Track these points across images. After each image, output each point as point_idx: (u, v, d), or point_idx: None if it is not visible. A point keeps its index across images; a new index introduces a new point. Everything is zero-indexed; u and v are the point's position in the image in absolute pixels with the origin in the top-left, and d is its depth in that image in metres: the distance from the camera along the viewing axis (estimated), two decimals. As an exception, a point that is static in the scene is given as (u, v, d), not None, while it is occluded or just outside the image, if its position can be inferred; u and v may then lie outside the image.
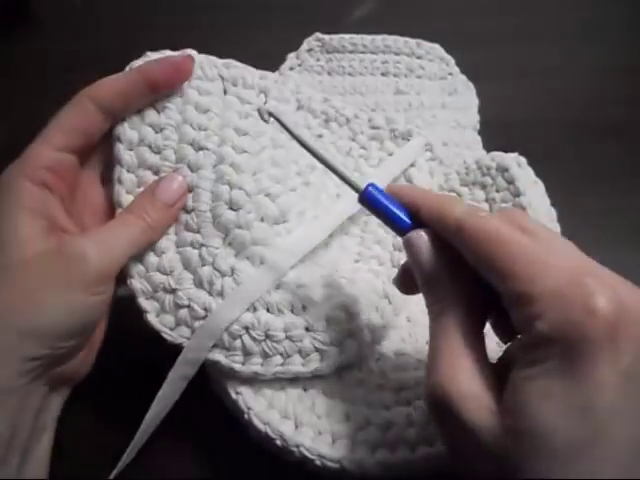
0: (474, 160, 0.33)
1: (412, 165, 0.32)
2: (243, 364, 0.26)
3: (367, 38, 0.42)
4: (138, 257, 0.27)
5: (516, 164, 0.31)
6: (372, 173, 0.31)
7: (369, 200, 0.23)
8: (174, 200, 0.27)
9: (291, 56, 0.42)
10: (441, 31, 0.43)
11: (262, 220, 0.27)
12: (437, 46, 0.42)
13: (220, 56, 0.46)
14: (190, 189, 0.27)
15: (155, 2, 0.51)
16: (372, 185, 0.23)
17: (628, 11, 0.48)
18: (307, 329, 0.26)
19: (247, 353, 0.26)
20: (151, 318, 0.27)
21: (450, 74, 0.41)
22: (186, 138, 0.28)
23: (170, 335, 0.26)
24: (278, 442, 0.26)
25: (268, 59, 0.42)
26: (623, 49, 0.46)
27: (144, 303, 0.27)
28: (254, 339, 0.26)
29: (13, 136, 0.43)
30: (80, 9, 0.51)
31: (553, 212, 0.32)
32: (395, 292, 0.26)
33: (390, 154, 0.32)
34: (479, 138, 0.38)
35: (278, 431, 0.26)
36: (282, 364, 0.26)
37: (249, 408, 0.26)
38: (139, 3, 0.51)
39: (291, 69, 0.42)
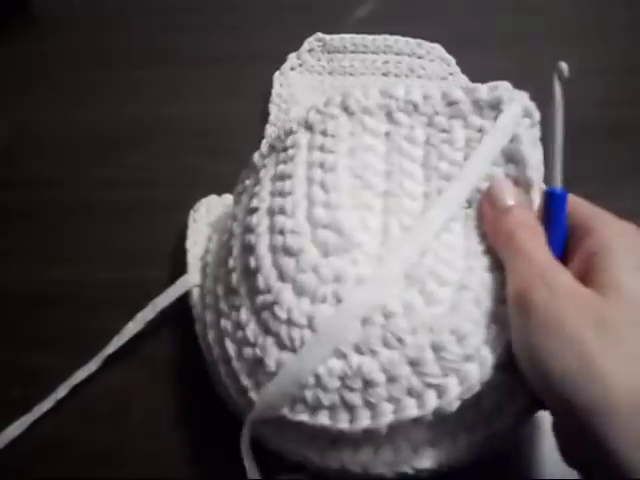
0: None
1: (511, 140, 0.25)
2: (351, 422, 0.23)
3: (368, 38, 0.42)
4: (231, 337, 0.26)
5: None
6: (461, 160, 0.26)
7: (553, 205, 0.23)
8: None
9: (292, 56, 0.42)
10: (442, 31, 0.43)
11: (326, 255, 0.24)
12: (438, 46, 0.42)
13: (220, 55, 0.47)
14: (248, 251, 0.26)
15: (155, 2, 0.51)
16: (564, 193, 0.23)
17: (628, 11, 0.48)
18: (411, 364, 0.22)
19: (350, 408, 0.23)
20: (252, 395, 0.24)
21: (451, 74, 0.41)
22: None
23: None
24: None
25: (268, 59, 0.42)
26: (623, 49, 0.46)
27: (245, 382, 0.25)
28: (352, 390, 0.22)
29: (13, 136, 0.43)
30: (79, 9, 0.51)
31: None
32: None
33: (478, 130, 0.26)
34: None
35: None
36: (394, 412, 0.22)
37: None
38: (139, 3, 0.51)
39: (292, 69, 0.42)
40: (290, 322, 0.24)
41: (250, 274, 0.25)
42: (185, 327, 0.31)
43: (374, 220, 0.26)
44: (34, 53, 0.47)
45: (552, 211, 0.23)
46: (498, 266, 0.24)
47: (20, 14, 0.50)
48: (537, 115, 0.26)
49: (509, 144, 0.25)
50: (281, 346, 0.24)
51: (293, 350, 0.23)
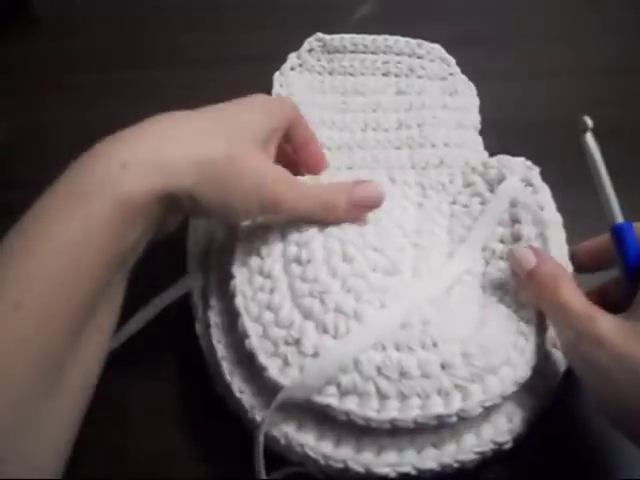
0: (480, 162, 0.34)
1: (514, 205, 0.30)
2: (379, 411, 0.24)
3: (368, 38, 0.42)
4: (253, 317, 0.27)
5: (522, 169, 0.32)
6: (476, 226, 0.31)
7: (619, 235, 0.26)
8: (365, 204, 0.29)
9: (292, 56, 0.42)
10: (442, 31, 0.43)
11: (374, 271, 0.28)
12: (438, 46, 0.42)
13: (219, 55, 0.47)
14: (301, 245, 0.28)
15: (155, 2, 0.51)
16: (628, 224, 0.26)
17: (628, 12, 0.48)
18: (442, 366, 0.25)
19: (382, 397, 0.25)
20: (273, 374, 0.25)
21: (451, 74, 0.41)
22: None
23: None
24: (282, 441, 0.26)
25: (269, 59, 0.42)
26: (622, 49, 0.46)
27: (265, 361, 0.26)
28: (388, 379, 0.25)
29: (13, 136, 0.43)
30: (80, 8, 0.51)
31: (558, 217, 0.31)
32: (531, 331, 0.26)
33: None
34: (480, 138, 0.38)
35: (281, 430, 0.26)
36: (421, 407, 0.24)
37: (252, 407, 0.26)
38: (139, 3, 0.51)
39: (292, 69, 0.42)
40: (338, 310, 0.26)
41: (297, 263, 0.28)
42: (185, 327, 0.31)
43: (407, 262, 0.30)
44: (34, 53, 0.47)
45: (622, 242, 0.26)
46: (510, 315, 0.27)
47: (20, 15, 0.50)
48: (538, 182, 0.31)
49: (511, 208, 0.30)
50: (323, 330, 0.26)
51: (335, 336, 0.25)
